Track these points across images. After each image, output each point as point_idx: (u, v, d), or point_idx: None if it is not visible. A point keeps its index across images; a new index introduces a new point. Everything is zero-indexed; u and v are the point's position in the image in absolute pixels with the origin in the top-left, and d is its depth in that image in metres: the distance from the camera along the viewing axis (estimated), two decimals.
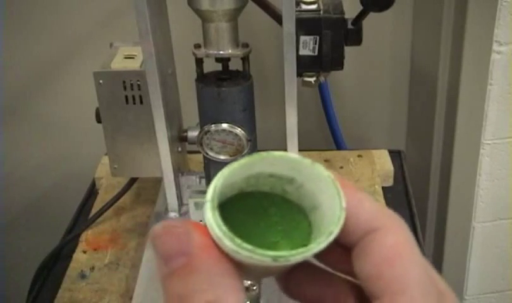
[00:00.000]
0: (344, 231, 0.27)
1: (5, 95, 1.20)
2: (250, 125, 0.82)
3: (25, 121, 1.24)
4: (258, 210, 0.31)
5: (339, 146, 1.21)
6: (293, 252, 0.26)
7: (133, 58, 0.83)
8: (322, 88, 1.15)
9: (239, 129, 0.80)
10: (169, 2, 0.81)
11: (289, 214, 0.31)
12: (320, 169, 0.29)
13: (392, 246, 0.27)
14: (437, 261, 1.28)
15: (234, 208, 0.30)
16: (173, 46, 0.85)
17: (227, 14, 0.74)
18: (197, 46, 0.78)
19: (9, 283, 1.31)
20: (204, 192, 0.92)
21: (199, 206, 0.83)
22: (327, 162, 1.05)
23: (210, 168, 0.85)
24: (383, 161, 1.04)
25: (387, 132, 1.29)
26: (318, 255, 0.29)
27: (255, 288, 0.73)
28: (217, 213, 0.27)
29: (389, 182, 1.02)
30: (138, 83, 0.81)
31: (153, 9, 0.73)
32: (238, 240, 0.26)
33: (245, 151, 0.81)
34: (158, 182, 0.92)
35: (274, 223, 0.31)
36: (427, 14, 1.14)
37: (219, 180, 0.28)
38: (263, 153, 0.29)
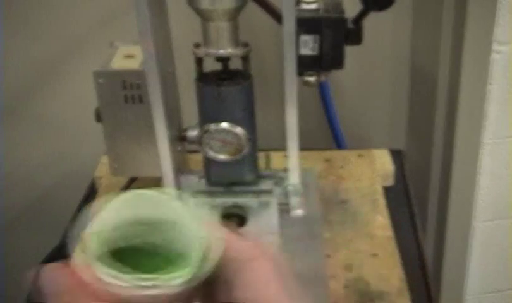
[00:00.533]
0: (217, 265, 0.30)
1: (4, 95, 1.20)
2: (250, 125, 0.82)
3: (25, 121, 1.24)
4: (137, 257, 0.32)
5: (339, 145, 1.21)
6: (159, 276, 0.28)
7: (132, 57, 0.83)
8: (322, 88, 1.15)
9: (239, 128, 0.80)
10: (169, 2, 0.81)
11: (166, 256, 0.32)
12: (177, 207, 0.31)
13: (258, 274, 0.30)
14: (437, 261, 1.28)
15: (116, 258, 0.31)
16: (173, 46, 0.85)
17: (227, 13, 0.74)
18: (197, 45, 0.78)
19: (9, 283, 1.31)
20: (204, 192, 0.93)
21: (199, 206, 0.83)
22: (328, 162, 1.05)
23: (210, 168, 0.85)
24: (383, 161, 1.04)
25: (388, 131, 1.29)
26: (207, 292, 0.31)
27: None
28: (91, 252, 0.28)
29: (390, 182, 1.02)
30: (138, 82, 0.81)
31: (153, 9, 0.73)
32: (113, 272, 0.27)
33: (245, 151, 0.81)
34: (158, 181, 0.91)
35: (154, 267, 0.32)
36: (427, 14, 1.14)
37: (94, 224, 0.30)
38: (128, 193, 0.31)
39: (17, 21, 1.13)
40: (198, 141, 0.82)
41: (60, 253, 0.92)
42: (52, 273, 0.28)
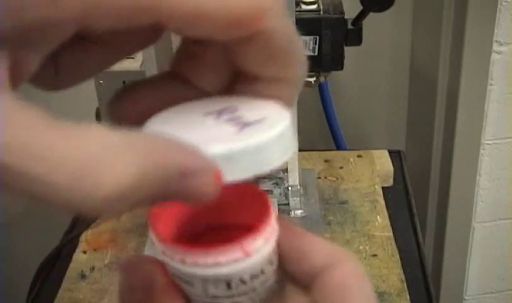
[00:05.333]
0: (300, 271, 0.29)
1: None
2: None
3: None
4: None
5: (339, 146, 1.21)
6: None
7: (133, 58, 0.83)
8: (322, 88, 1.15)
9: None
10: None
11: None
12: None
13: (342, 279, 0.29)
14: (437, 261, 1.28)
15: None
16: (173, 46, 0.85)
17: None
18: None
19: (9, 283, 1.31)
20: None
21: None
22: (327, 162, 1.05)
23: None
24: (383, 162, 1.04)
25: (387, 132, 1.29)
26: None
27: None
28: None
29: (389, 182, 1.02)
30: None
31: None
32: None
33: None
34: None
35: None
36: (427, 14, 1.14)
37: None
38: None
39: None
40: None
41: (60, 253, 0.92)
42: (148, 266, 0.28)
